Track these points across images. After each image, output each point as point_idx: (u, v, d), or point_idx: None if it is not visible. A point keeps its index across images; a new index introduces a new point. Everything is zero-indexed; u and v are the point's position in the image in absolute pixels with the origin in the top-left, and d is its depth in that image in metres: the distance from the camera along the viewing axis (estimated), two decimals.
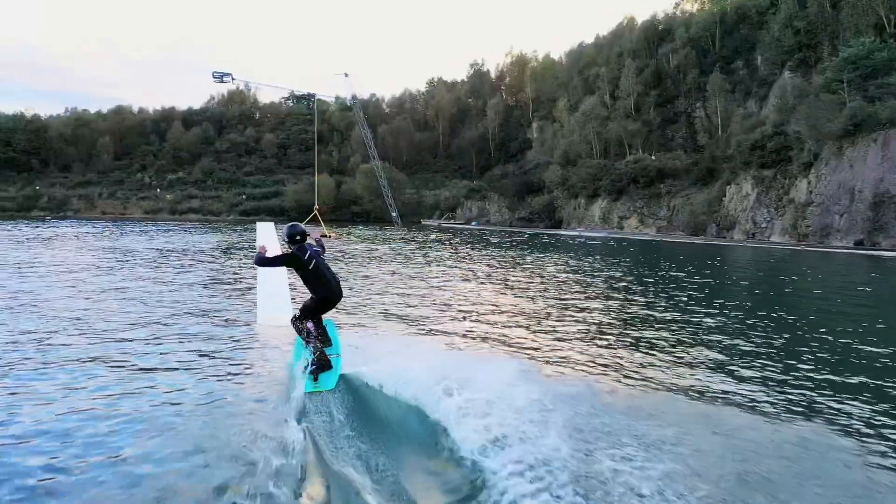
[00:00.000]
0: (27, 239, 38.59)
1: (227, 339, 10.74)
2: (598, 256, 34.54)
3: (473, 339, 11.18)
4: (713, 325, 13.05)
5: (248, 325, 12.16)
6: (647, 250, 41.63)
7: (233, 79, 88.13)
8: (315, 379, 7.02)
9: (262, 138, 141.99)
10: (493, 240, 50.99)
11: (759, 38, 79.35)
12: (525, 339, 11.32)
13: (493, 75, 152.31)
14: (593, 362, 9.62)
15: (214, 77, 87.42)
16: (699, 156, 62.50)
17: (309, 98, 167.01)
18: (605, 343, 11.11)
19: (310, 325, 7.26)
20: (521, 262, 28.92)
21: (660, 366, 9.47)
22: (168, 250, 29.42)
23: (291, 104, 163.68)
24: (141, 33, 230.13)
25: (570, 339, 11.32)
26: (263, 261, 7.21)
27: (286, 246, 7.43)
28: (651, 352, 10.45)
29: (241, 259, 26.59)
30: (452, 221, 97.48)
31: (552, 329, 12.32)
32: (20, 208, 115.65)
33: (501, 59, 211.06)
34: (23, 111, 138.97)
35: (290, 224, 7.50)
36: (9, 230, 48.45)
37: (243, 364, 9.16)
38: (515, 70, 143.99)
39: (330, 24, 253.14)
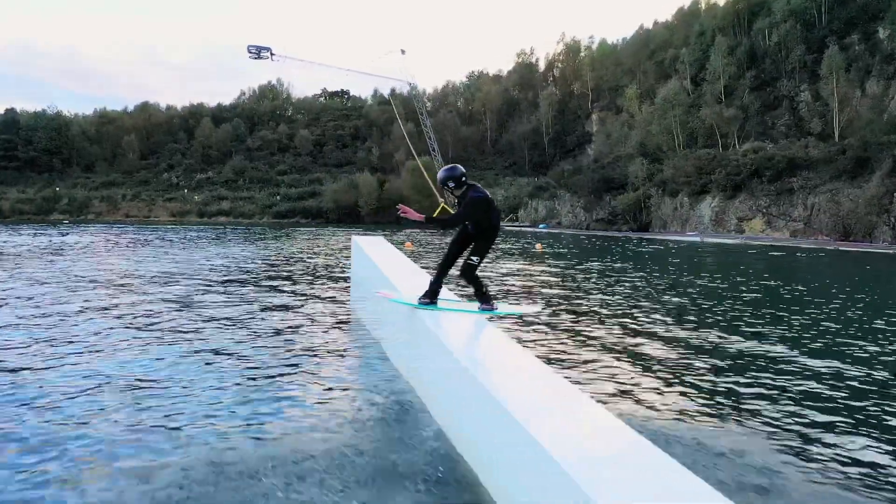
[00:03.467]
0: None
1: None
2: (797, 274, 23.51)
3: None
4: None
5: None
6: (827, 262, 30.47)
7: (272, 54, 76.16)
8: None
9: (297, 135, 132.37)
10: (589, 247, 40.07)
11: (885, 5, 67.09)
12: None
13: (542, 65, 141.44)
14: None
15: (250, 52, 75.37)
16: (845, 142, 50.73)
17: (343, 94, 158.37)
18: None
19: None
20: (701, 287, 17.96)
21: None
22: (207, 283, 18.97)
23: (324, 100, 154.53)
24: (177, 36, 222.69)
25: None
26: (456, 218, 6.57)
27: (450, 190, 6.46)
28: None
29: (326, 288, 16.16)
30: (517, 224, 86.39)
31: None
32: (39, 211, 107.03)
33: (552, 47, 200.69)
34: (45, 108, 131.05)
35: (449, 166, 6.56)
36: None
37: None
38: (569, 58, 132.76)
39: (361, 15, 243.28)
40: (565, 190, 79.14)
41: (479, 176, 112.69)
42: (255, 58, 75.98)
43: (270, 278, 18.04)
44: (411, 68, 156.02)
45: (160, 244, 35.57)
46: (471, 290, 6.96)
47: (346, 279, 17.17)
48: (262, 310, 11.98)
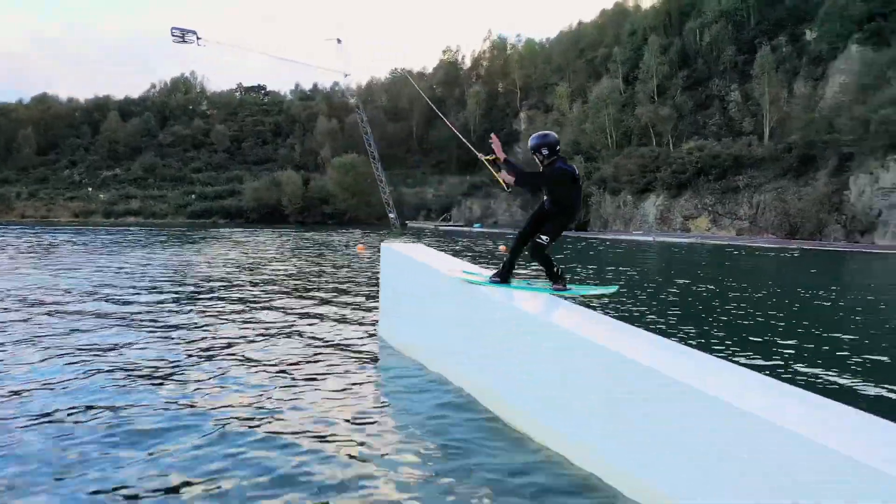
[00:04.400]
0: None
1: None
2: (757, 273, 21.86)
3: None
4: None
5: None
6: (795, 263, 29.26)
7: (198, 38, 69.40)
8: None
9: (213, 131, 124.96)
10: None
11: (812, 8, 68.36)
12: None
13: (468, 62, 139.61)
14: None
15: (174, 35, 68.04)
16: (790, 141, 50.47)
17: (260, 88, 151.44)
18: None
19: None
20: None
21: None
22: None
23: (240, 95, 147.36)
24: (80, 24, 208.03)
25: None
26: (534, 177, 6.32)
27: (541, 159, 6.10)
28: None
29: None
30: (451, 224, 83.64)
31: None
32: None
33: (478, 44, 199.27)
34: None
35: (543, 132, 6.25)
36: None
37: None
38: (495, 56, 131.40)
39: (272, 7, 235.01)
40: (500, 189, 77.05)
41: (406, 174, 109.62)
42: (180, 41, 69.13)
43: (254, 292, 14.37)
44: (348, 60, 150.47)
45: (72, 248, 30.64)
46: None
47: (313, 287, 13.80)
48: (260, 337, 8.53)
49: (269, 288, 15.45)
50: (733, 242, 42.60)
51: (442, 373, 6.97)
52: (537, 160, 6.19)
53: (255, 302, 12.85)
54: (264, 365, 7.52)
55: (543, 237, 6.33)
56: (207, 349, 8.34)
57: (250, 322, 10.44)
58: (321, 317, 11.04)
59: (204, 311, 11.51)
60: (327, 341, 8.94)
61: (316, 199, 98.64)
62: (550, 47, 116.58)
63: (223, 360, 7.79)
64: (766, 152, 50.05)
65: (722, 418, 3.50)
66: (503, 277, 6.59)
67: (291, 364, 7.59)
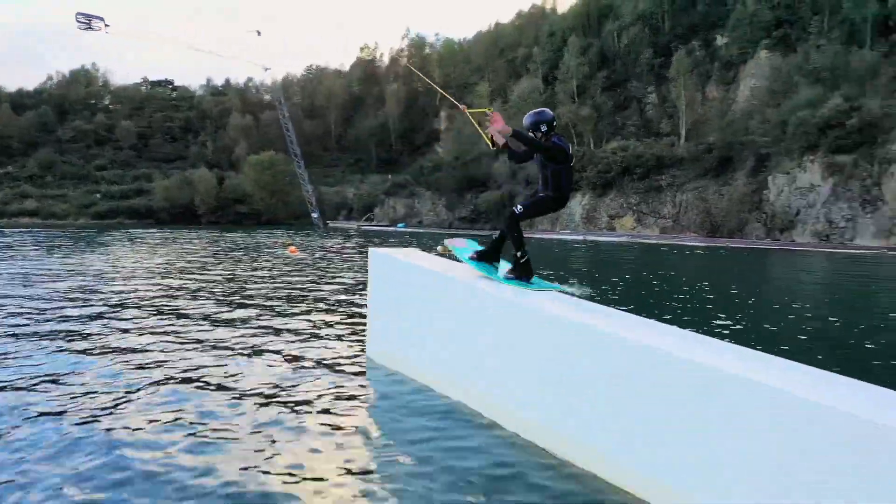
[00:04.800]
0: None
1: None
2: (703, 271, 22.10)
3: None
4: None
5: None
6: (726, 259, 29.85)
7: (106, 24, 64.50)
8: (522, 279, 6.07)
9: (117, 126, 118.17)
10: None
11: (723, 14, 70.95)
12: None
13: (386, 60, 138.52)
14: None
15: (79, 22, 62.80)
16: (710, 141, 51.82)
17: (167, 83, 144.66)
18: None
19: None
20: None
21: None
22: None
23: (146, 89, 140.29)
24: None
25: None
26: (536, 144, 5.89)
27: (538, 136, 5.91)
28: None
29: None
30: (374, 224, 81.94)
31: None
32: None
33: (396, 42, 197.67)
34: None
35: (539, 109, 6.17)
36: None
37: None
38: (414, 54, 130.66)
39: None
40: (425, 188, 76.15)
41: (324, 173, 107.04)
42: (86, 28, 64.05)
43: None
44: (267, 56, 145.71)
45: None
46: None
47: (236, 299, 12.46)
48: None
49: (211, 298, 13.91)
50: (663, 241, 43.28)
51: (463, 399, 5.95)
52: (538, 137, 5.99)
53: (198, 315, 11.36)
54: (231, 393, 6.25)
55: (520, 207, 6.15)
56: (160, 376, 6.95)
57: (200, 341, 9.03)
58: (285, 332, 9.74)
59: (145, 329, 9.97)
60: (302, 363, 7.71)
61: (231, 198, 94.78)
62: (469, 47, 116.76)
63: (180, 388, 6.46)
64: (686, 153, 51.34)
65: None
66: (520, 274, 6.14)
67: (265, 398, 6.34)
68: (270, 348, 8.55)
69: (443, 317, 6.54)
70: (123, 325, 10.27)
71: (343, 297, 14.41)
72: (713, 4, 73.66)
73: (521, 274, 6.14)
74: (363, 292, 14.26)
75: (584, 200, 57.06)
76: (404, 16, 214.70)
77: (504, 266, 6.44)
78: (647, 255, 31.98)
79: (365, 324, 9.10)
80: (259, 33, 77.25)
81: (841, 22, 57.18)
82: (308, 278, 18.30)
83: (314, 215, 66.39)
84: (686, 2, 76.28)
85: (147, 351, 8.29)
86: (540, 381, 5.13)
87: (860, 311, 14.56)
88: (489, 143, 6.14)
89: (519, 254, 6.13)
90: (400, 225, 76.34)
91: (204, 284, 16.51)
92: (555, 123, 6.02)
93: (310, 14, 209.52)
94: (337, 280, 18.16)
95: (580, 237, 49.95)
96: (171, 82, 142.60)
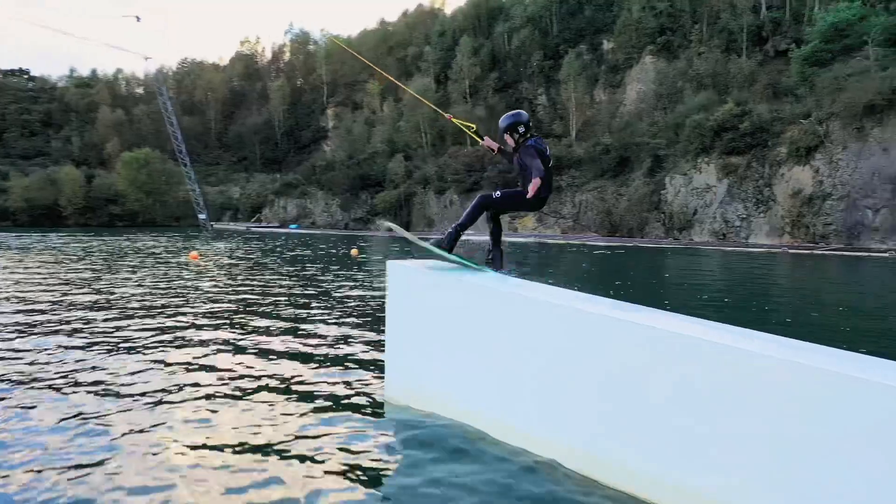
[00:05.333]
0: None
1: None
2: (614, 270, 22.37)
3: None
4: None
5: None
6: (626, 259, 30.48)
7: None
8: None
9: None
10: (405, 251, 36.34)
11: (609, 20, 73.42)
12: None
13: (269, 55, 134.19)
14: None
15: None
16: (609, 142, 52.97)
17: (22, 72, 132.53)
18: None
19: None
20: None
21: None
22: None
23: None
24: None
25: None
26: (508, 155, 6.07)
27: (515, 137, 5.88)
28: None
29: None
30: (264, 225, 78.37)
31: None
32: None
33: (279, 37, 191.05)
34: None
35: (515, 111, 6.07)
36: None
37: None
38: (297, 50, 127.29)
39: None
40: (317, 187, 73.71)
41: (206, 172, 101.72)
42: None
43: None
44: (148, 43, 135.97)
45: None
46: None
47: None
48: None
49: (128, 316, 11.90)
50: (570, 241, 43.80)
51: (524, 445, 4.84)
52: (511, 140, 5.97)
53: (117, 337, 9.51)
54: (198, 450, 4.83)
55: (497, 193, 6.00)
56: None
57: (126, 373, 7.35)
58: (247, 350, 8.19)
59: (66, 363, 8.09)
60: (303, 406, 6.30)
61: (102, 198, 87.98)
62: (358, 44, 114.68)
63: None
64: (584, 154, 52.47)
65: None
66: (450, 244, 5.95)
67: (251, 462, 4.96)
68: (253, 387, 7.05)
69: (523, 348, 5.31)
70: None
71: (301, 310, 12.85)
72: (599, 10, 76.03)
73: (445, 243, 5.94)
74: (318, 302, 12.82)
75: None
76: (286, 11, 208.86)
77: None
78: (560, 254, 32.07)
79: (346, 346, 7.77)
80: (138, 19, 71.45)
81: (720, 31, 60.48)
82: (235, 288, 16.45)
83: (201, 216, 62.44)
84: (573, 6, 78.31)
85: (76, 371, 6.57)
86: (697, 426, 4.05)
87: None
88: (486, 148, 6.36)
89: (458, 229, 5.93)
90: (292, 226, 73.51)
91: (110, 298, 14.35)
92: (531, 124, 6.01)
93: (184, 4, 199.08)
94: (281, 290, 16.45)
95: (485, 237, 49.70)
96: (26, 71, 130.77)
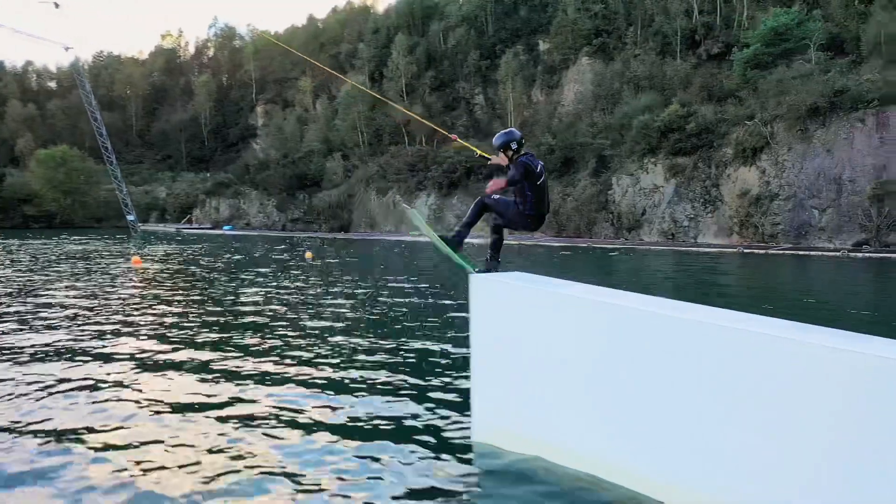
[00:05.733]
0: None
1: None
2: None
3: None
4: None
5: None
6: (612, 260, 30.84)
7: None
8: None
9: None
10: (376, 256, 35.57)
11: (545, 20, 74.05)
12: None
13: (192, 50, 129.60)
14: None
15: None
16: (553, 142, 53.09)
17: None
18: None
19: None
20: None
21: None
22: None
23: None
24: None
25: None
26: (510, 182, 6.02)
27: (509, 154, 6.11)
28: None
29: None
30: (195, 226, 75.25)
31: None
32: None
33: (202, 31, 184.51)
34: None
35: (507, 130, 6.44)
36: None
37: None
38: (224, 45, 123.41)
39: None
40: (251, 187, 71.35)
41: (128, 171, 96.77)
42: None
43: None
44: (70, 35, 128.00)
45: None
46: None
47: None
48: None
49: (114, 333, 10.86)
50: (523, 242, 43.82)
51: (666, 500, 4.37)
52: (505, 157, 6.18)
53: (125, 354, 8.60)
54: None
55: (494, 197, 6.26)
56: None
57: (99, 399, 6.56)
58: (259, 378, 7.46)
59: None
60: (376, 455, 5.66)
61: (14, 198, 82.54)
62: (287, 41, 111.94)
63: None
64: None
65: None
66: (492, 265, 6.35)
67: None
68: (281, 418, 6.39)
69: (656, 378, 4.73)
70: None
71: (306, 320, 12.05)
72: (535, 10, 76.55)
73: (452, 241, 6.25)
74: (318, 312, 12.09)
75: (430, 201, 56.51)
76: (209, 6, 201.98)
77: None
78: (522, 257, 31.95)
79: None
80: (57, 5, 66.85)
81: (654, 34, 61.80)
82: (195, 298, 15.42)
83: (129, 217, 59.26)
84: (509, 6, 78.59)
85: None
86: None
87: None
88: (497, 165, 6.39)
89: (463, 228, 6.25)
90: (226, 227, 70.88)
91: (42, 311, 13.14)
92: (524, 141, 6.23)
93: None
94: (252, 297, 15.46)
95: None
96: None
